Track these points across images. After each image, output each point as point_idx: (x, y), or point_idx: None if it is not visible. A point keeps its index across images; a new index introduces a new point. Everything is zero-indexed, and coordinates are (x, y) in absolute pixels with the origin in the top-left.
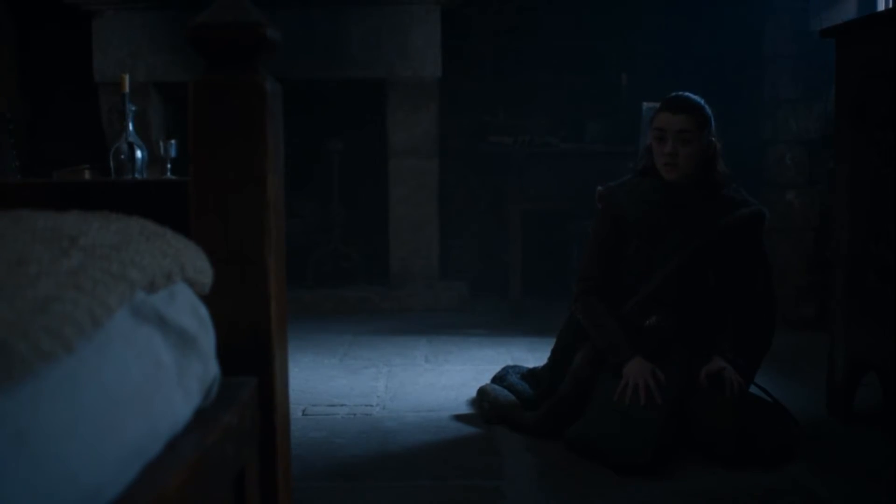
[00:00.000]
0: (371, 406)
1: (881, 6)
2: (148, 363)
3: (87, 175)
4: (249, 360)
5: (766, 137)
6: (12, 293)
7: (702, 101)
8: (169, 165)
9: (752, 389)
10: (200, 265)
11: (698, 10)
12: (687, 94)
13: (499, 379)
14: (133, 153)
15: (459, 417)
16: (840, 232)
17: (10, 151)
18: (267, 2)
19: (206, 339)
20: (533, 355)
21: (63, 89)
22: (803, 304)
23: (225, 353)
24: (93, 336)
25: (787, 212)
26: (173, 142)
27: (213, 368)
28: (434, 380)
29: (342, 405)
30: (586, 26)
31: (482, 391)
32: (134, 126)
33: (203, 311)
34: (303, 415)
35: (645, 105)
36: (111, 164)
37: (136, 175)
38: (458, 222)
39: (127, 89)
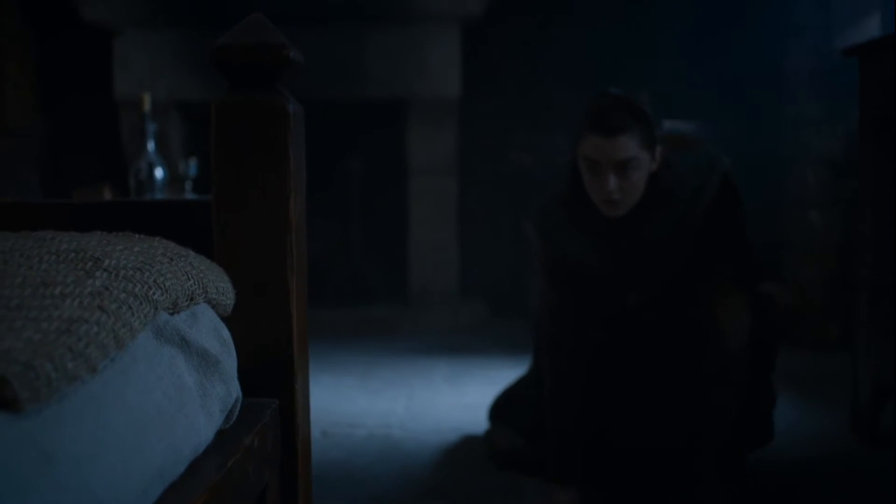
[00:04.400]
0: (391, 427)
1: None
2: (171, 385)
3: (106, 193)
4: (271, 382)
5: (788, 156)
6: (38, 314)
7: (640, 101)
8: (189, 184)
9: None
10: (223, 286)
11: (720, 27)
12: (615, 98)
13: (502, 408)
14: (153, 172)
15: (480, 439)
16: (863, 252)
17: (31, 169)
18: (286, 21)
19: (229, 360)
20: None
21: (83, 107)
22: (827, 324)
23: (246, 374)
24: (117, 357)
25: (809, 231)
26: (193, 160)
27: (236, 390)
28: (454, 401)
29: (362, 426)
30: (607, 43)
31: (486, 437)
32: (154, 144)
33: (225, 332)
34: (322, 435)
35: (666, 123)
36: (131, 182)
37: (156, 193)
38: (478, 241)
39: (148, 108)
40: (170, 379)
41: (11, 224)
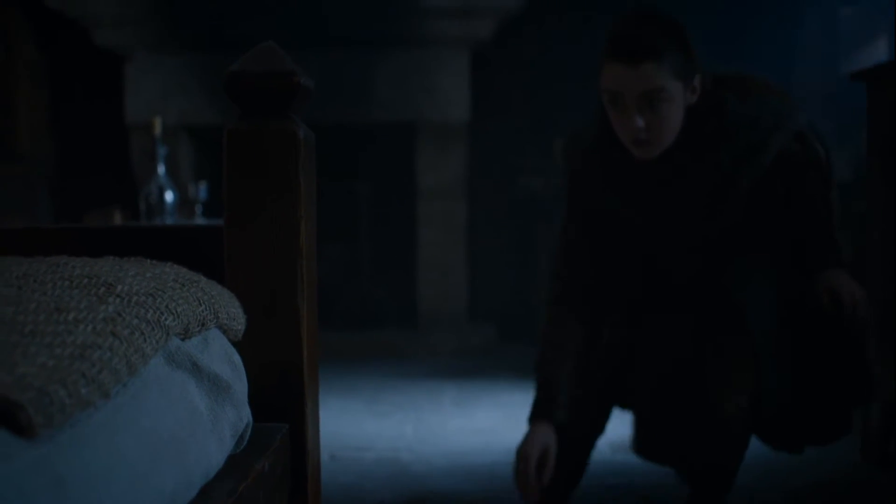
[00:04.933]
0: (399, 450)
1: None
2: (182, 410)
3: (117, 217)
4: (281, 406)
5: None
6: (52, 340)
7: (672, 20)
8: (199, 207)
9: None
10: (234, 312)
11: (727, 49)
12: (641, 16)
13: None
14: (163, 195)
15: (489, 462)
16: (873, 275)
17: (42, 192)
18: (295, 45)
19: (240, 385)
20: None
21: (94, 131)
22: None
23: (257, 398)
24: (129, 383)
25: None
26: (203, 184)
27: (246, 415)
28: (463, 424)
29: (370, 449)
30: None
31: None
32: (164, 168)
33: (236, 357)
34: (331, 459)
35: None
36: (141, 205)
37: (166, 217)
38: (486, 265)
39: (159, 132)
40: (181, 404)
41: (24, 249)
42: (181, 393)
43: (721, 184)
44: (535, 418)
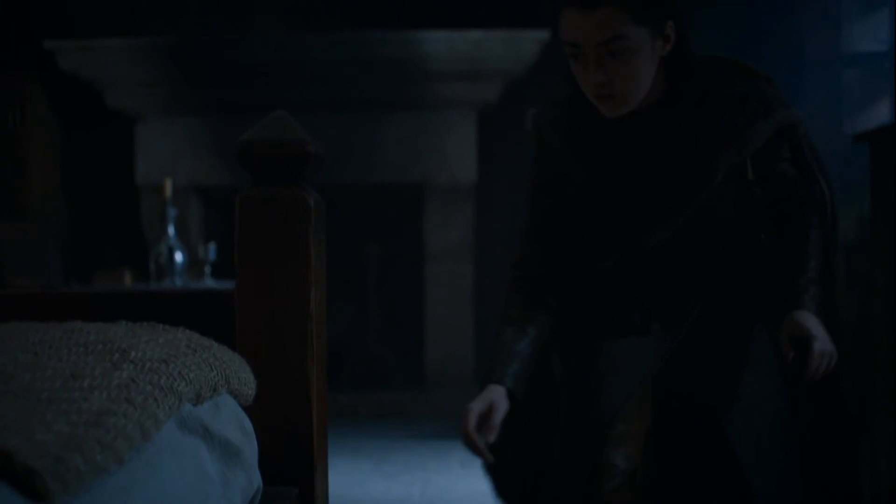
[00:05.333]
0: None
1: None
2: (194, 475)
3: (127, 277)
4: (291, 470)
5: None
6: (67, 407)
7: None
8: (208, 268)
9: None
10: (245, 377)
11: None
12: None
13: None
14: (173, 256)
15: None
16: (878, 336)
17: (53, 253)
18: (303, 108)
19: (250, 450)
20: None
21: (105, 192)
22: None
23: (267, 462)
24: (142, 448)
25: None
26: (212, 245)
27: (257, 479)
28: (471, 486)
29: None
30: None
31: None
32: (174, 229)
33: (247, 422)
34: None
35: None
36: (151, 266)
37: (176, 277)
38: (493, 325)
39: (169, 194)
40: (193, 469)
41: (39, 312)
42: (193, 458)
43: (697, 163)
44: (486, 382)
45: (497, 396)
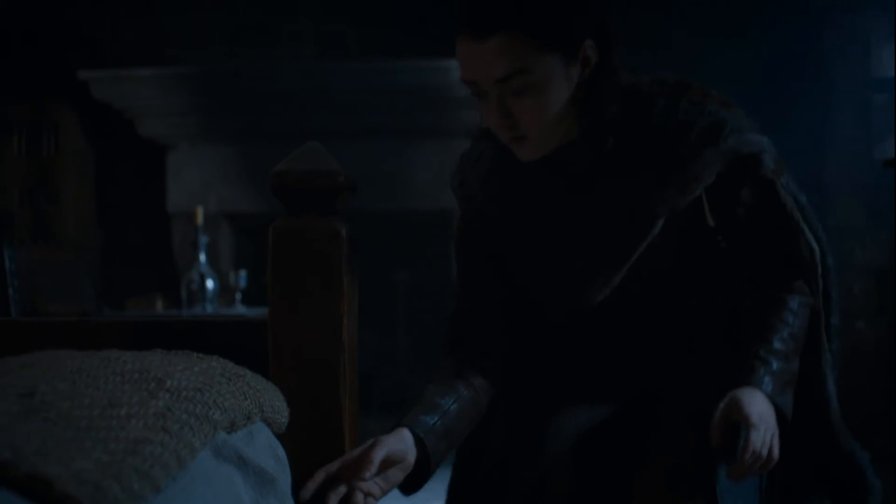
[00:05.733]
0: None
1: None
2: (228, 503)
3: (159, 304)
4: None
5: (837, 263)
6: (105, 435)
7: None
8: (239, 295)
9: None
10: (278, 405)
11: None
12: None
13: None
14: (204, 283)
15: None
16: None
17: (86, 280)
18: (331, 136)
19: (284, 478)
20: None
21: (136, 219)
22: (876, 435)
23: (300, 489)
24: (178, 476)
25: (856, 341)
26: (243, 272)
27: None
28: None
29: None
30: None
31: None
32: (205, 256)
33: (280, 450)
34: None
35: None
36: (182, 292)
37: (207, 304)
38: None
39: (201, 221)
40: (227, 497)
41: (74, 339)
42: (227, 486)
43: (632, 206)
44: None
45: (392, 437)
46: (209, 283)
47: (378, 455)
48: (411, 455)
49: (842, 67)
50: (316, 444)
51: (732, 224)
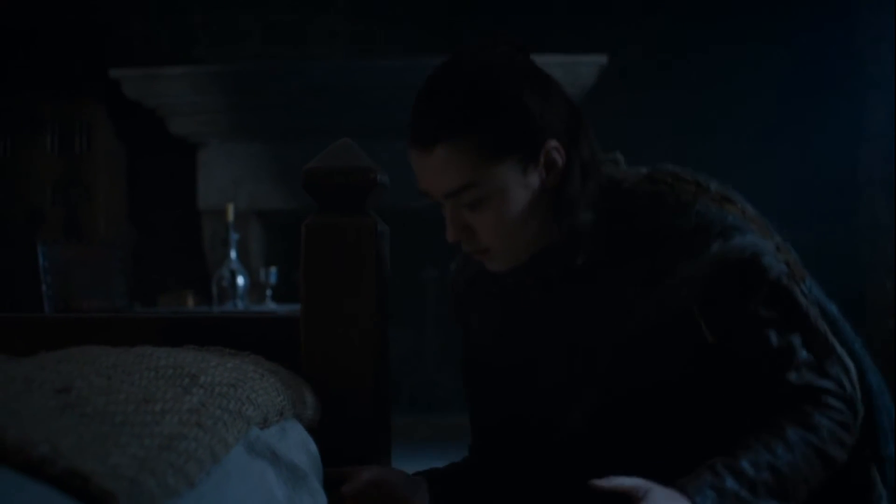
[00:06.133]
0: None
1: None
2: (261, 498)
3: (190, 300)
4: None
5: (865, 262)
6: (140, 431)
7: (488, 67)
8: (269, 292)
9: None
10: (310, 401)
11: (792, 135)
12: (444, 71)
13: None
14: (234, 280)
15: None
16: None
17: (119, 277)
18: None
19: (316, 474)
20: None
21: (168, 216)
22: None
23: (331, 486)
24: (212, 472)
25: (889, 339)
26: (273, 269)
27: (322, 502)
28: None
29: None
30: (678, 157)
31: None
32: (236, 253)
33: (312, 446)
34: None
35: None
36: (213, 289)
37: (238, 301)
38: None
39: (231, 218)
40: (260, 493)
41: (107, 335)
42: (260, 481)
43: (605, 325)
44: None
45: (409, 482)
46: (240, 280)
47: (365, 475)
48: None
49: (875, 66)
50: (348, 439)
51: (734, 343)
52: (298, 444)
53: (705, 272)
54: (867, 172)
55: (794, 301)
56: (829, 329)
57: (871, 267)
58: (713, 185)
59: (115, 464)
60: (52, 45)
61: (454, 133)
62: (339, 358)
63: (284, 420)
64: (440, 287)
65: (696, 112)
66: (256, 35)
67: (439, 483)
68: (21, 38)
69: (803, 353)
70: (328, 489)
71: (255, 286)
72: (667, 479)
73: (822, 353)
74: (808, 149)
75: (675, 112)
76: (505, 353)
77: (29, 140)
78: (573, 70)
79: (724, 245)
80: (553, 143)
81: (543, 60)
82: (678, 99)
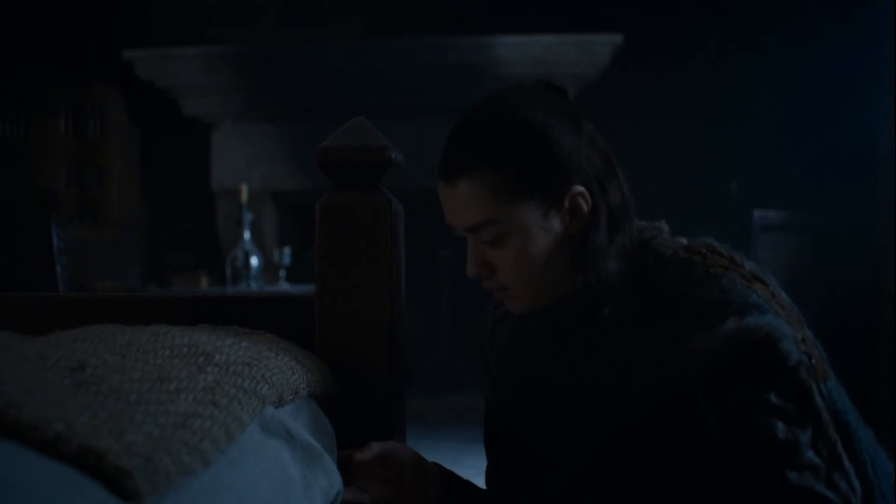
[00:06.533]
0: None
1: None
2: (276, 477)
3: (203, 281)
4: None
5: (883, 244)
6: (156, 409)
7: (519, 108)
8: (283, 272)
9: None
10: (325, 380)
11: (812, 116)
12: (477, 109)
13: None
14: (248, 260)
15: None
16: None
17: (133, 258)
18: (376, 113)
19: (331, 453)
20: None
21: (181, 197)
22: None
23: (344, 468)
24: (227, 450)
25: None
26: (287, 249)
27: (337, 482)
28: None
29: None
30: (697, 135)
31: None
32: (249, 233)
33: (327, 424)
34: None
35: (757, 213)
36: (227, 270)
37: (251, 281)
38: None
39: (245, 199)
40: (275, 471)
41: (122, 315)
42: (275, 460)
43: (604, 388)
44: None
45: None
46: (253, 261)
47: (376, 446)
48: (426, 480)
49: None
50: (363, 419)
51: (737, 427)
52: (313, 423)
53: (716, 348)
54: (885, 155)
55: (810, 398)
56: (841, 442)
57: (888, 248)
58: (748, 264)
59: (130, 442)
60: (65, 27)
61: (477, 167)
62: (355, 336)
63: (300, 399)
64: (455, 268)
65: (715, 97)
66: (271, 15)
67: (454, 482)
68: (35, 22)
69: (809, 454)
70: (341, 470)
71: (268, 267)
72: None
73: (830, 464)
74: (828, 129)
75: (690, 95)
76: (514, 395)
77: (43, 122)
78: (587, 49)
79: (739, 323)
80: (579, 188)
81: (558, 39)
82: (692, 79)
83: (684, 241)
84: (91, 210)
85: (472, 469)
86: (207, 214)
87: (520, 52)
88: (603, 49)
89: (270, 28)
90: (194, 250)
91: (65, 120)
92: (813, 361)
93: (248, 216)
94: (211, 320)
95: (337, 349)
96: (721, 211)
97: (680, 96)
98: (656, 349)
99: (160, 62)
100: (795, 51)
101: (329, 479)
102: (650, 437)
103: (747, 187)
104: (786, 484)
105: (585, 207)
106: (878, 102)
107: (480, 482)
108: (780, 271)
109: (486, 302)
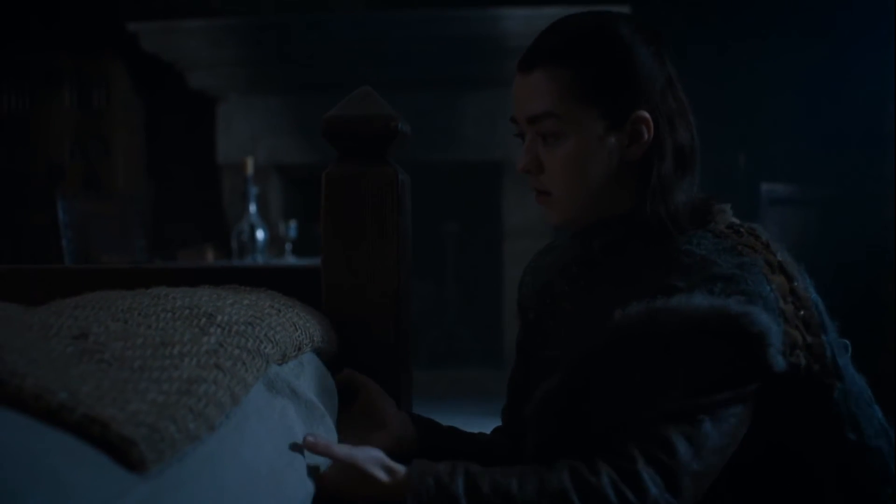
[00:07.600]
0: None
1: None
2: (281, 438)
3: (209, 255)
4: None
5: (892, 217)
6: (159, 375)
7: (609, 22)
8: (289, 246)
9: None
10: (328, 335)
11: (822, 89)
12: (574, 15)
13: None
14: (254, 234)
15: None
16: None
17: (137, 231)
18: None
19: (331, 408)
20: None
21: (186, 170)
22: None
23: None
24: (231, 414)
25: None
26: (293, 223)
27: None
28: None
29: None
30: (704, 108)
31: None
32: (255, 207)
33: (329, 381)
34: None
35: (764, 186)
36: (233, 243)
37: (257, 255)
38: None
39: (250, 172)
40: (280, 431)
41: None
42: (280, 420)
43: (598, 323)
44: None
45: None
46: (259, 234)
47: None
48: (396, 426)
49: None
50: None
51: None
52: (315, 379)
53: (706, 315)
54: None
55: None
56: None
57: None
58: (780, 255)
59: (135, 410)
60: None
61: (555, 60)
62: (362, 306)
63: (302, 354)
64: (461, 241)
65: (724, 68)
66: None
67: (434, 430)
68: None
69: (682, 446)
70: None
71: (274, 240)
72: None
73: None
74: (835, 103)
75: (698, 69)
76: (532, 314)
77: (48, 95)
78: None
79: (741, 305)
80: (644, 114)
81: (566, 11)
82: (701, 53)
83: (736, 220)
84: (96, 183)
85: None
86: (213, 188)
87: (527, 24)
88: None
89: (276, 0)
90: (200, 224)
91: (69, 93)
92: (815, 367)
93: (253, 189)
94: None
95: (343, 320)
96: (729, 184)
97: (688, 71)
98: (654, 291)
99: (165, 35)
100: (805, 25)
101: (332, 436)
102: (611, 371)
103: (755, 160)
104: (626, 450)
105: (646, 135)
106: (887, 75)
107: None
108: (787, 245)
109: (490, 276)
